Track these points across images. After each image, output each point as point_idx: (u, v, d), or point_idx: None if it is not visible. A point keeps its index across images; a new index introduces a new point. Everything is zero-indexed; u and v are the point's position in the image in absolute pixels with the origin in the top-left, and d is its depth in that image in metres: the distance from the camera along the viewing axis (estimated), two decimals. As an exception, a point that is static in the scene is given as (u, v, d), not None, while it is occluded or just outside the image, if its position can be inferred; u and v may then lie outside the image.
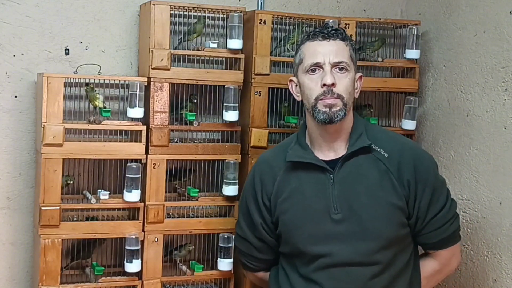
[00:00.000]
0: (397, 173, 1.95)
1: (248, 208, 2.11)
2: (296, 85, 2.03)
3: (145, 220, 2.35)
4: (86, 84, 2.35)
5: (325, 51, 1.93)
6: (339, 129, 1.97)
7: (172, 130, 2.41)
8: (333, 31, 1.97)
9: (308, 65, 1.95)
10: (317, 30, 1.99)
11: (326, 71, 1.92)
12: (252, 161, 2.44)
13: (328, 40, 1.95)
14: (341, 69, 1.94)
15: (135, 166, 2.30)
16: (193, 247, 2.50)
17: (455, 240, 2.05)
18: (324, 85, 1.91)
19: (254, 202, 2.09)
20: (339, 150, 1.99)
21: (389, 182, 1.94)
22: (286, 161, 2.03)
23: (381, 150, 1.97)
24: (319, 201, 1.96)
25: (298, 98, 2.04)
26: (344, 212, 1.94)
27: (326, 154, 2.00)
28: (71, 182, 2.37)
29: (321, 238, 1.95)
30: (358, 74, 2.02)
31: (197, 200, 2.44)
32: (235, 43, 2.42)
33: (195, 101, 2.48)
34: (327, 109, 1.92)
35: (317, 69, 1.94)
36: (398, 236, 1.96)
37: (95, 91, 2.35)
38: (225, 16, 2.52)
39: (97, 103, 2.34)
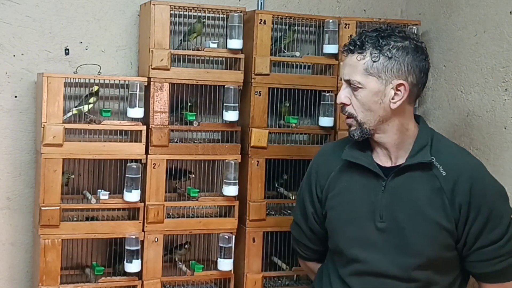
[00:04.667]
0: (450, 194, 1.83)
1: (303, 197, 2.08)
2: None
3: (145, 220, 2.35)
4: None
5: (343, 67, 1.90)
6: (379, 144, 1.91)
7: (172, 130, 2.42)
8: (346, 45, 1.88)
9: None
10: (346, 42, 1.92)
11: (341, 88, 1.89)
12: (252, 161, 2.44)
13: (346, 55, 1.89)
14: (352, 87, 1.87)
15: (135, 166, 2.30)
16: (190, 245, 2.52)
17: (504, 278, 1.89)
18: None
19: (308, 192, 2.05)
20: (398, 158, 1.90)
21: (440, 201, 1.84)
22: (342, 159, 1.96)
23: (441, 167, 1.87)
24: (366, 205, 1.90)
25: None
26: (389, 222, 1.87)
27: (383, 160, 1.93)
28: (72, 177, 2.37)
29: (361, 243, 1.90)
30: (395, 82, 1.81)
31: (197, 200, 2.44)
32: (235, 43, 2.42)
33: (190, 104, 2.47)
34: (348, 128, 1.91)
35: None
36: (441, 258, 1.86)
37: None
38: (225, 16, 2.52)
39: None
